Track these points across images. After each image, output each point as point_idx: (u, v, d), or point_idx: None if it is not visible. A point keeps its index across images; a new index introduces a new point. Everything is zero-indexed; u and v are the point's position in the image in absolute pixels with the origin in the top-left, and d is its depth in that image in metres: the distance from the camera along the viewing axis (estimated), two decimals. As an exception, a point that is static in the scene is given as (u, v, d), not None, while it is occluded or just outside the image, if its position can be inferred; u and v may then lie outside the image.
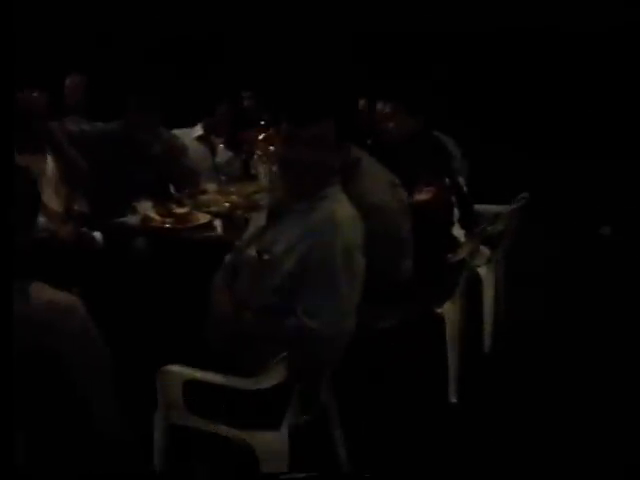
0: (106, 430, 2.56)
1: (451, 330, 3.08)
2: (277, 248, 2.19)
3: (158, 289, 3.37)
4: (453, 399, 3.11)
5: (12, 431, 1.70)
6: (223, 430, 2.15)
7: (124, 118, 3.84)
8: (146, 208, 3.32)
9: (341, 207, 2.21)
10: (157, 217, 3.19)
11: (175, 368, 2.20)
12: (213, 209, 3.29)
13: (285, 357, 2.07)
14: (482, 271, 3.53)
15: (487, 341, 3.60)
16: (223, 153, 4.60)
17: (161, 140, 3.88)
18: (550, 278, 4.61)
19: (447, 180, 3.42)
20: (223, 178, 4.17)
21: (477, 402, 3.12)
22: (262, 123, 4.01)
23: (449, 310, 3.08)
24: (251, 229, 2.42)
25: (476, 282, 3.50)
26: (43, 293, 2.72)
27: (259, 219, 2.41)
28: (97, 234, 3.73)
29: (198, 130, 4.68)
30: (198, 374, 2.17)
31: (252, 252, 2.24)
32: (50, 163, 3.55)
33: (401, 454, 2.73)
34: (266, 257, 2.20)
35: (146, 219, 3.21)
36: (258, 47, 6.15)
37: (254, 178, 3.99)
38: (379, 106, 3.71)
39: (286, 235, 2.19)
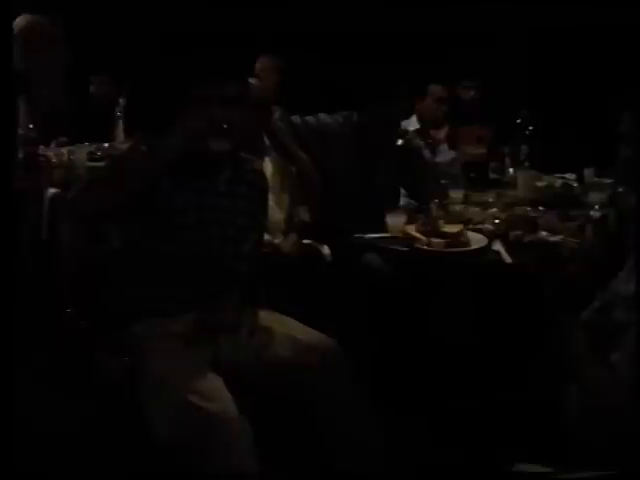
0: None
1: None
2: None
3: (408, 319, 2.88)
4: None
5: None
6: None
7: (355, 111, 3.31)
8: (400, 224, 2.79)
9: None
10: (421, 236, 2.65)
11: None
12: (487, 228, 2.72)
13: None
14: None
15: None
16: (444, 152, 4.04)
17: (396, 137, 3.32)
18: None
19: None
20: (442, 182, 3.58)
21: None
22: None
23: None
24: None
25: None
26: (289, 329, 2.30)
27: None
28: (325, 248, 3.26)
29: (414, 122, 4.13)
30: None
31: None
32: (269, 165, 3.07)
33: None
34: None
35: (409, 239, 2.66)
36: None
37: (499, 185, 3.40)
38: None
39: None
